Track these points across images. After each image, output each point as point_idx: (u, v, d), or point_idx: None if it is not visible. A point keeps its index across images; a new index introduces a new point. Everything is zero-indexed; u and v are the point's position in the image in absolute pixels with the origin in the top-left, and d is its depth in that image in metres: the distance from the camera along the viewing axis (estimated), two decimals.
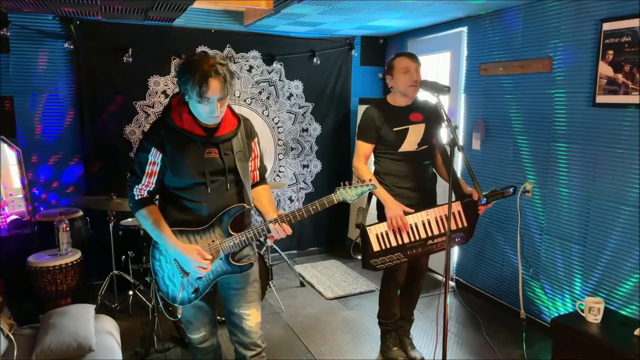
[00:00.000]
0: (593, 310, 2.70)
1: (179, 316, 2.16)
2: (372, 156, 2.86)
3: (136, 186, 2.00)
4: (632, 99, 2.75)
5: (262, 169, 2.26)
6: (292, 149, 4.89)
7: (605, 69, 2.88)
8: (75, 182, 4.14)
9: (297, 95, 4.82)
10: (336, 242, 5.20)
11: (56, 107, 4.00)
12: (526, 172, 3.48)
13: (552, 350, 2.82)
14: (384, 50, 5.14)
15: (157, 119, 2.05)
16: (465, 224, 2.65)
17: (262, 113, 4.70)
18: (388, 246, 2.61)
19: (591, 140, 3.01)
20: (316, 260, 4.91)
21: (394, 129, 2.72)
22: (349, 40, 4.88)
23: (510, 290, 3.67)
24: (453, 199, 2.51)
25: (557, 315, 3.10)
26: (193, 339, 2.26)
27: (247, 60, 4.54)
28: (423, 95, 2.80)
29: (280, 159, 4.86)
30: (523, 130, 3.49)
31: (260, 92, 4.65)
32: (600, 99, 2.92)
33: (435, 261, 4.23)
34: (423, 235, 2.62)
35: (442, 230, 2.62)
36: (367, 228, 2.60)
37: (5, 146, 3.69)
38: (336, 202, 2.04)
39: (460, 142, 3.73)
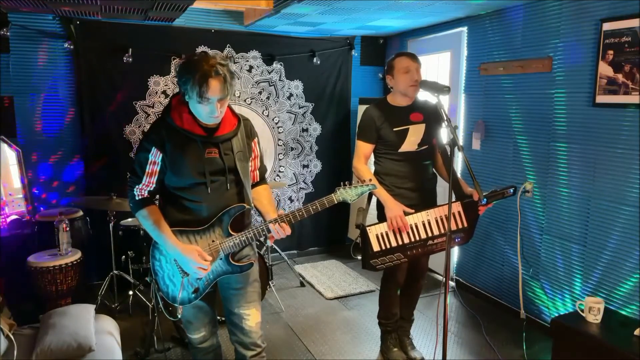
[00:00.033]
0: (593, 310, 2.70)
1: (179, 316, 2.16)
2: (372, 156, 2.86)
3: (136, 186, 2.00)
4: (632, 99, 2.75)
5: (262, 169, 2.26)
6: (292, 149, 4.89)
7: (605, 69, 2.88)
8: (75, 182, 4.14)
9: (297, 95, 4.82)
10: (336, 242, 5.20)
11: (56, 107, 4.00)
12: (526, 172, 3.48)
13: (552, 350, 2.82)
14: (384, 50, 5.14)
15: (158, 119, 2.05)
16: (466, 225, 2.65)
17: (262, 113, 4.70)
18: (388, 246, 2.61)
19: (591, 140, 3.01)
20: (316, 260, 4.91)
21: (394, 129, 2.71)
22: (349, 40, 4.88)
23: (510, 290, 3.68)
24: (453, 199, 2.51)
25: (557, 315, 3.10)
26: (193, 339, 2.26)
27: (247, 60, 4.54)
28: (423, 96, 2.80)
29: (280, 159, 4.86)
30: (523, 130, 3.49)
31: (260, 92, 4.65)
32: (600, 99, 2.92)
33: (435, 261, 4.23)
34: (423, 236, 2.62)
35: (442, 231, 2.62)
36: (367, 228, 2.60)
37: (5, 146, 3.69)
38: (336, 202, 2.04)
39: (460, 142, 3.73)
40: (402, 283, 2.92)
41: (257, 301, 2.18)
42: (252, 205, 2.12)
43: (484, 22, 3.76)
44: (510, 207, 3.57)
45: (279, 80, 4.71)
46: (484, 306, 3.83)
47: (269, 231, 2.02)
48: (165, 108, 2.01)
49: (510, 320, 3.55)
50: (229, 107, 2.05)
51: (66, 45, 3.89)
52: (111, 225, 3.60)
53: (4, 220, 3.58)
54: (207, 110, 1.88)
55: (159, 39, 4.16)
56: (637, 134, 2.75)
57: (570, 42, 3.10)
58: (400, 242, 2.61)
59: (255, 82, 4.61)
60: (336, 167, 5.07)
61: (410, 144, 2.72)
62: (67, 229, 3.38)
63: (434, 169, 2.89)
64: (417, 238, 2.62)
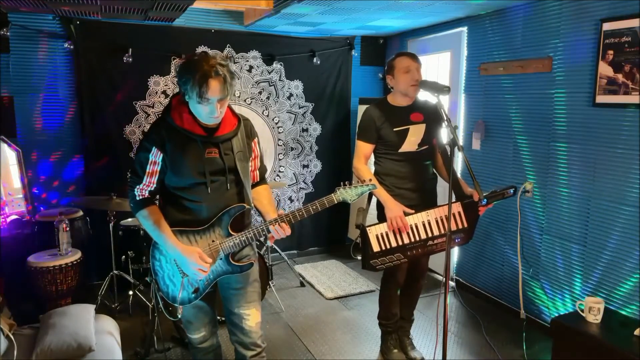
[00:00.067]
0: (593, 310, 2.70)
1: (179, 316, 2.16)
2: (373, 156, 2.85)
3: (137, 186, 2.00)
4: (632, 99, 2.75)
5: (262, 169, 2.26)
6: (292, 149, 4.89)
7: (605, 69, 2.88)
8: (75, 182, 4.14)
9: (297, 95, 4.82)
10: (336, 242, 5.20)
11: (56, 107, 4.00)
12: (526, 172, 3.48)
13: (552, 350, 2.82)
14: (383, 50, 5.14)
15: (158, 119, 2.05)
16: (466, 225, 2.65)
17: (262, 113, 4.70)
18: (388, 247, 2.61)
19: (591, 140, 3.01)
20: (316, 260, 4.91)
21: (395, 129, 2.71)
22: (349, 40, 4.88)
23: (510, 290, 3.68)
24: (453, 200, 2.51)
25: (557, 315, 3.10)
26: (193, 339, 2.26)
27: (247, 60, 4.54)
28: (423, 96, 2.80)
29: (280, 159, 4.86)
30: (523, 130, 3.49)
31: (260, 92, 4.65)
32: (600, 99, 2.92)
33: (436, 261, 4.23)
34: (423, 236, 2.62)
35: (442, 231, 2.61)
36: (367, 229, 2.60)
37: (5, 146, 3.69)
38: (336, 202, 2.04)
39: (460, 142, 3.73)
40: (402, 283, 2.92)
41: (257, 301, 2.18)
42: (252, 205, 2.12)
43: (484, 22, 3.76)
44: (510, 207, 3.57)
45: (279, 80, 4.71)
46: (484, 306, 3.83)
47: (268, 231, 2.02)
48: (166, 108, 2.01)
49: (510, 320, 3.55)
50: (229, 107, 2.05)
51: (66, 45, 3.89)
52: (111, 225, 3.60)
53: (4, 220, 3.58)
54: (207, 111, 1.88)
55: (159, 39, 4.16)
56: (637, 134, 2.75)
57: (570, 42, 3.10)
58: (400, 243, 2.61)
59: (255, 82, 4.61)
60: (336, 167, 5.07)
61: (410, 144, 2.72)
62: (67, 229, 3.38)
63: (434, 169, 2.89)
64: (417, 238, 2.61)
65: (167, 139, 1.94)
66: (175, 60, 4.24)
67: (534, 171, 3.43)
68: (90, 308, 2.71)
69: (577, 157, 3.11)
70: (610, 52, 2.84)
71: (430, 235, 2.62)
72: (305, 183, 5.01)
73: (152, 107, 4.26)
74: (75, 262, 3.36)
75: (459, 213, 2.64)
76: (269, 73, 4.65)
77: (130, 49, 3.98)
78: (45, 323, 2.50)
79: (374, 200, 2.77)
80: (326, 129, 5.00)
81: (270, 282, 3.86)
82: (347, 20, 3.97)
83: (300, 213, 2.00)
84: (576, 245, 3.15)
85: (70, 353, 2.29)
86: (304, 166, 4.98)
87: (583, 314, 2.76)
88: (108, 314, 2.96)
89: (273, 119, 4.76)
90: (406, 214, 2.61)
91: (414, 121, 2.74)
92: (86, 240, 3.83)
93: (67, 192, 4.12)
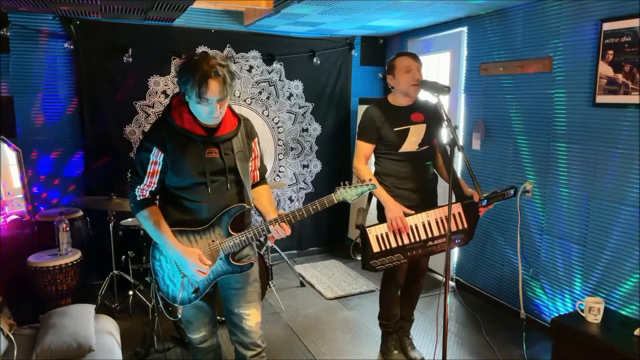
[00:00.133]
0: (593, 310, 2.71)
1: (179, 316, 2.16)
2: (373, 157, 2.85)
3: (138, 186, 2.00)
4: (632, 99, 2.75)
5: (262, 169, 2.26)
6: (292, 149, 4.89)
7: (605, 69, 2.88)
8: (75, 182, 4.14)
9: (297, 95, 4.82)
10: (336, 242, 5.20)
11: (56, 107, 4.00)
12: (526, 172, 3.48)
13: (552, 350, 2.82)
14: (383, 50, 5.14)
15: (158, 119, 2.05)
16: (466, 226, 2.65)
17: (262, 113, 4.70)
18: (388, 247, 2.60)
19: (591, 140, 3.01)
20: (316, 260, 4.91)
21: (395, 129, 2.71)
22: (349, 40, 4.88)
23: (510, 290, 3.68)
24: (453, 200, 2.51)
25: (557, 315, 3.10)
26: (193, 339, 2.26)
27: (247, 60, 4.54)
28: (423, 96, 2.80)
29: (280, 159, 4.86)
30: (523, 130, 3.49)
31: (260, 92, 4.65)
32: (600, 99, 2.92)
33: (436, 261, 4.23)
34: (423, 237, 2.62)
35: (443, 232, 2.61)
36: (367, 229, 2.59)
37: (5, 146, 3.69)
38: (336, 202, 2.04)
39: (460, 142, 3.73)
40: (402, 283, 2.92)
41: (257, 301, 2.18)
42: (252, 205, 2.12)
43: (484, 22, 3.76)
44: (510, 207, 3.57)
45: (279, 80, 4.71)
46: (484, 306, 3.83)
47: (269, 231, 2.02)
48: (166, 108, 2.01)
49: (510, 320, 3.55)
50: (229, 107, 2.05)
51: (66, 45, 3.89)
52: (111, 225, 3.60)
53: (4, 220, 3.58)
54: (206, 111, 1.88)
55: (159, 39, 4.16)
56: (637, 134, 2.75)
57: (570, 42, 3.10)
58: (400, 243, 2.61)
59: (255, 82, 4.61)
60: (336, 167, 5.07)
61: (410, 144, 2.72)
62: (67, 229, 3.38)
63: (434, 170, 2.88)
64: (417, 239, 2.61)
65: (167, 139, 1.94)
66: (175, 60, 4.24)
67: (534, 171, 3.43)
68: (90, 308, 2.71)
69: (577, 157, 3.11)
70: (610, 52, 2.84)
71: (430, 235, 2.62)
72: (305, 183, 5.01)
73: (152, 107, 4.26)
74: (75, 262, 3.36)
75: (459, 214, 2.64)
76: (269, 73, 4.65)
77: (130, 49, 3.98)
78: (45, 323, 2.50)
79: (374, 200, 2.77)
80: (326, 129, 5.00)
81: (270, 282, 3.86)
82: (347, 20, 3.97)
83: (300, 213, 2.00)
84: (576, 245, 3.15)
85: (70, 353, 2.29)
86: (304, 166, 4.98)
87: (583, 314, 2.76)
88: (108, 314, 2.96)
89: (273, 119, 4.76)
90: (406, 215, 2.60)
91: (415, 121, 2.74)
92: (86, 240, 3.83)
93: (67, 192, 4.12)
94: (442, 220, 2.62)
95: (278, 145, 4.83)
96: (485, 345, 3.25)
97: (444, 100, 4.09)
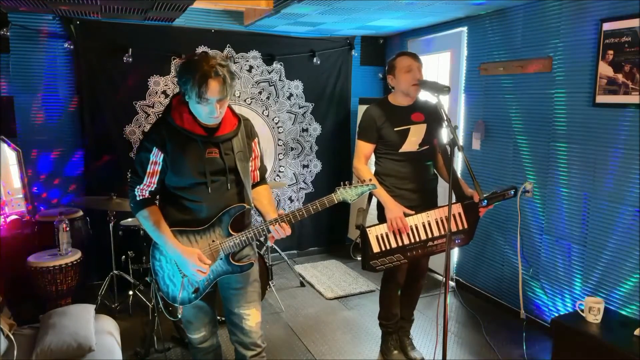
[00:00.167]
0: (593, 310, 2.71)
1: (179, 316, 2.16)
2: (373, 157, 2.85)
3: (137, 186, 2.00)
4: (632, 99, 2.75)
5: (263, 169, 2.26)
6: (292, 149, 4.89)
7: (605, 69, 2.88)
8: (75, 182, 4.14)
9: (297, 95, 4.82)
10: (336, 242, 5.20)
11: (56, 107, 4.00)
12: (526, 172, 3.48)
13: (552, 350, 2.82)
14: (383, 50, 5.14)
15: (158, 119, 2.05)
16: (466, 226, 2.65)
17: (262, 113, 4.70)
18: (388, 247, 2.60)
19: (591, 140, 3.02)
20: (316, 260, 4.91)
21: (395, 129, 2.71)
22: (349, 40, 4.88)
23: (510, 290, 3.68)
24: (453, 201, 2.51)
25: (557, 315, 3.10)
26: (193, 339, 2.26)
27: (247, 60, 4.54)
28: (423, 96, 2.80)
29: (280, 159, 4.86)
30: (523, 130, 3.49)
31: (260, 92, 4.65)
32: (600, 99, 2.92)
33: (436, 261, 4.23)
34: (423, 237, 2.62)
35: (443, 232, 2.61)
36: (367, 229, 2.59)
37: (5, 146, 3.69)
38: (336, 202, 2.04)
39: (460, 142, 3.73)
40: (402, 283, 2.92)
41: (257, 301, 2.18)
42: (252, 205, 2.12)
43: (484, 22, 3.76)
44: (510, 207, 3.57)
45: (279, 80, 4.71)
46: (484, 306, 3.83)
47: (269, 231, 2.02)
48: (166, 108, 2.01)
49: (510, 320, 3.55)
50: (229, 107, 2.05)
51: (66, 45, 3.89)
52: (111, 225, 3.60)
53: (4, 220, 3.58)
54: (206, 111, 1.88)
55: (159, 39, 4.16)
56: (637, 134, 2.75)
57: (570, 42, 3.10)
58: (400, 244, 2.61)
59: (255, 82, 4.61)
60: (336, 167, 5.07)
61: (411, 144, 2.72)
62: (67, 229, 3.38)
63: (435, 170, 2.88)
64: (417, 239, 2.61)
65: (167, 139, 1.94)
66: (175, 60, 4.24)
67: (534, 171, 3.43)
68: (90, 308, 2.71)
69: (577, 157, 3.11)
70: (610, 52, 2.84)
71: (430, 236, 2.62)
72: (305, 183, 5.01)
73: (152, 107, 4.26)
74: (75, 262, 3.36)
75: (459, 214, 2.64)
76: (269, 73, 4.65)
77: (130, 49, 3.98)
78: (45, 323, 2.50)
79: (374, 200, 2.77)
80: (326, 129, 5.00)
81: (270, 282, 3.86)
82: (347, 20, 3.97)
83: (301, 213, 2.00)
84: (576, 245, 3.15)
85: (70, 353, 2.29)
86: (304, 166, 4.98)
87: (583, 314, 2.76)
88: (108, 314, 2.96)
89: (273, 119, 4.76)
90: (406, 215, 2.60)
91: (415, 121, 2.73)
92: (86, 240, 3.83)
93: (67, 192, 4.12)
94: (442, 221, 2.62)
95: (278, 145, 4.83)
96: (485, 345, 3.25)
97: (444, 100, 4.09)
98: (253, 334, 2.15)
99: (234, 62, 4.46)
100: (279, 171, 4.87)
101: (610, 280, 2.95)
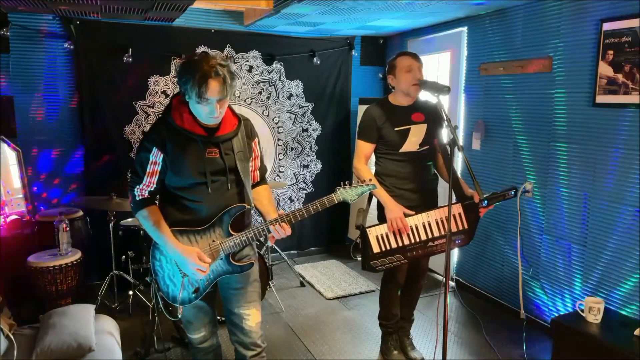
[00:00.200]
0: (593, 310, 2.71)
1: (179, 316, 2.16)
2: (373, 157, 2.85)
3: (137, 186, 2.00)
4: (632, 99, 2.75)
5: (263, 169, 2.26)
6: (292, 149, 4.89)
7: (605, 69, 2.88)
8: (75, 182, 4.14)
9: (297, 95, 4.82)
10: (336, 242, 5.20)
11: (56, 107, 4.00)
12: (526, 172, 3.48)
13: (552, 350, 2.82)
14: (383, 50, 5.14)
15: (158, 119, 2.05)
16: (466, 226, 2.64)
17: (262, 113, 4.70)
18: (388, 248, 2.60)
19: (591, 140, 3.02)
20: (316, 260, 4.91)
21: (396, 129, 2.71)
22: (349, 40, 4.88)
23: (510, 290, 3.68)
24: (453, 201, 2.51)
25: (557, 315, 3.10)
26: (193, 339, 2.26)
27: (247, 60, 4.54)
28: (423, 96, 2.80)
29: (280, 159, 4.86)
30: (523, 130, 3.49)
31: (260, 92, 4.65)
32: (600, 99, 2.92)
33: (436, 261, 4.23)
34: (423, 237, 2.62)
35: (443, 232, 2.61)
36: (367, 230, 2.59)
37: (5, 146, 3.69)
38: (336, 202, 2.04)
39: (460, 142, 3.73)
40: (402, 283, 2.92)
41: (257, 301, 2.18)
42: (253, 205, 2.12)
43: (484, 22, 3.76)
44: (510, 207, 3.57)
45: (279, 80, 4.71)
46: (484, 306, 3.83)
47: (269, 231, 2.02)
48: (166, 108, 2.01)
49: (510, 320, 3.55)
50: (230, 107, 2.05)
51: (66, 45, 3.89)
52: (111, 225, 3.60)
53: (4, 220, 3.58)
54: (206, 111, 1.88)
55: (159, 39, 4.16)
56: (637, 134, 2.75)
57: (570, 42, 3.10)
58: (400, 244, 2.61)
59: (255, 82, 4.61)
60: (336, 167, 5.07)
61: (411, 144, 2.72)
62: (67, 229, 3.38)
63: (435, 170, 2.88)
64: (418, 239, 2.61)
65: (167, 139, 1.94)
66: (175, 60, 4.24)
67: (534, 171, 3.43)
68: (90, 308, 2.71)
69: (577, 157, 3.11)
70: (610, 52, 2.84)
71: (430, 236, 2.62)
72: (305, 183, 5.01)
73: (152, 107, 4.26)
74: (75, 262, 3.36)
75: (460, 214, 2.64)
76: (269, 73, 4.65)
77: (130, 49, 3.98)
78: (45, 323, 2.50)
79: (374, 200, 2.77)
80: (326, 129, 5.00)
81: (270, 282, 3.86)
82: (347, 20, 3.97)
83: (301, 213, 2.00)
84: (576, 245, 3.15)
85: (70, 353, 2.29)
86: (304, 166, 4.98)
87: (583, 314, 2.76)
88: (108, 314, 2.96)
89: (273, 119, 4.76)
90: (406, 215, 2.60)
91: (415, 121, 2.73)
92: (86, 240, 3.83)
93: (67, 192, 4.12)
94: (442, 221, 2.62)
95: (278, 145, 4.83)
96: (485, 345, 3.25)
97: (444, 100, 4.09)
98: (253, 334, 2.15)
99: (234, 62, 4.46)
100: (279, 171, 4.87)
101: (610, 280, 2.95)
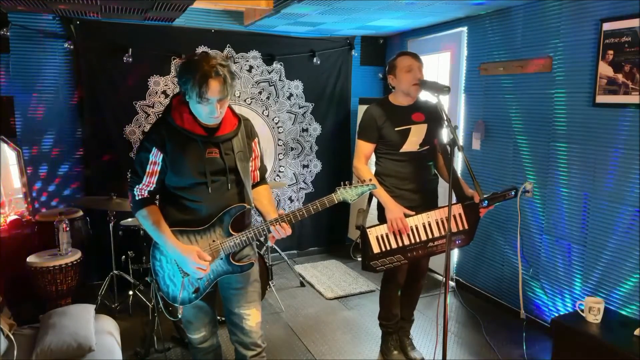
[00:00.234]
0: (593, 310, 2.71)
1: (179, 316, 2.16)
2: (373, 157, 2.85)
3: (137, 186, 2.00)
4: (632, 99, 2.75)
5: (263, 169, 2.26)
6: (292, 149, 4.89)
7: (605, 69, 2.88)
8: (75, 182, 4.14)
9: (297, 95, 4.82)
10: (336, 242, 5.20)
11: (56, 107, 4.00)
12: (526, 172, 3.48)
13: (552, 350, 2.82)
14: (383, 50, 5.14)
15: (158, 119, 2.05)
16: (466, 227, 2.64)
17: (262, 113, 4.70)
18: (388, 248, 2.60)
19: (591, 140, 3.02)
20: (316, 260, 4.91)
21: (396, 129, 2.71)
22: (349, 40, 4.88)
23: (510, 290, 3.68)
24: (454, 201, 2.51)
25: (557, 315, 3.10)
26: (193, 339, 2.26)
27: (247, 60, 4.54)
28: (424, 96, 2.80)
29: (280, 159, 4.86)
30: (523, 130, 3.49)
31: (260, 92, 4.65)
32: (600, 99, 2.92)
33: (436, 261, 4.23)
34: (423, 238, 2.61)
35: (443, 233, 2.60)
36: (367, 230, 2.59)
37: (5, 146, 3.69)
38: (336, 202, 2.04)
39: (460, 142, 3.73)
40: (402, 284, 2.92)
41: (257, 301, 2.18)
42: (253, 205, 2.12)
43: (484, 22, 3.76)
44: (511, 207, 3.57)
45: (279, 80, 4.71)
46: (484, 306, 3.84)
47: (269, 231, 2.02)
48: (166, 108, 2.01)
49: (510, 320, 3.55)
50: (230, 107, 2.05)
51: (66, 45, 3.89)
52: (111, 225, 3.60)
53: (4, 220, 3.58)
54: (206, 111, 1.88)
55: (159, 39, 4.16)
56: (637, 134, 2.75)
57: (570, 42, 3.10)
58: (400, 244, 2.61)
59: (255, 82, 4.61)
60: (336, 167, 5.07)
61: (411, 144, 2.72)
62: (67, 229, 3.38)
63: (435, 170, 2.88)
64: (418, 240, 2.61)
65: (167, 139, 1.94)
66: (175, 60, 4.24)
67: (534, 171, 3.43)
68: (90, 308, 2.71)
69: (577, 157, 3.12)
70: (610, 52, 2.84)
71: (430, 236, 2.61)
72: (305, 183, 5.01)
73: (152, 107, 4.26)
74: (75, 262, 3.36)
75: (460, 215, 2.63)
76: (269, 73, 4.65)
77: (130, 49, 3.98)
78: (45, 323, 2.50)
79: (374, 201, 2.77)
80: (326, 129, 5.00)
81: (270, 282, 3.86)
82: (347, 20, 3.97)
83: (301, 213, 2.00)
84: (576, 245, 3.15)
85: (70, 353, 2.29)
86: (304, 166, 4.98)
87: (583, 314, 2.76)
88: (108, 314, 2.96)
89: (273, 119, 4.76)
90: (406, 216, 2.60)
91: (416, 121, 2.73)
92: (86, 240, 3.83)
93: (67, 192, 4.12)
94: (442, 221, 2.61)
95: (278, 145, 4.83)
96: (485, 345, 3.25)
97: (444, 100, 4.09)
98: (253, 334, 2.15)
99: (234, 62, 4.46)
100: (279, 171, 4.87)
101: (610, 280, 2.95)
